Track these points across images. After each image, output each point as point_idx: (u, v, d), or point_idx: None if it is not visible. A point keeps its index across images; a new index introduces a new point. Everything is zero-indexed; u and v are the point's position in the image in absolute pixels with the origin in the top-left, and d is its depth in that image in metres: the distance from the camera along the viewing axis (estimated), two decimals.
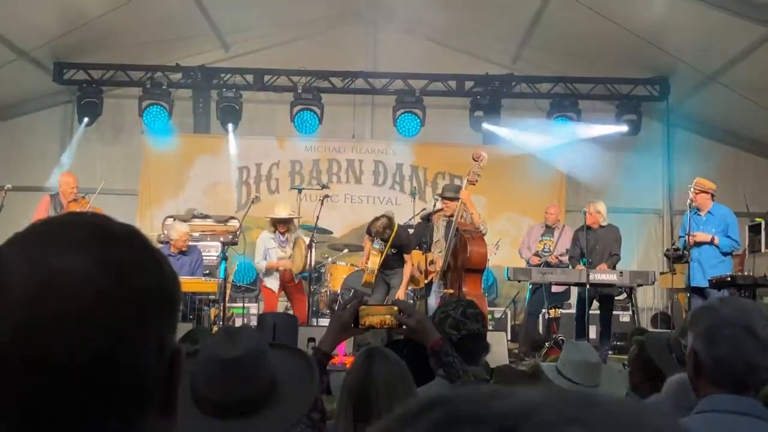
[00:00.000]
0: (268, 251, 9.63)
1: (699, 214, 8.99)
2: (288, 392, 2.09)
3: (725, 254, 8.91)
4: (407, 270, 9.31)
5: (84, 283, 0.80)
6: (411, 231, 10.31)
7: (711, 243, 8.79)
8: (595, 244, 9.08)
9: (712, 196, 9.02)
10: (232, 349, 2.05)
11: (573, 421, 0.50)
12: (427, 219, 9.61)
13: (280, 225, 9.61)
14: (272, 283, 9.74)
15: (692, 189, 9.02)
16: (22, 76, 12.13)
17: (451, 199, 8.97)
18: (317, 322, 9.69)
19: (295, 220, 9.80)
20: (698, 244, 8.81)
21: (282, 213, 9.64)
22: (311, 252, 9.63)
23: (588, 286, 8.72)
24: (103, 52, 12.38)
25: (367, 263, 9.30)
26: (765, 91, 10.86)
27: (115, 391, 0.81)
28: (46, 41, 11.58)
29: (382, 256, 9.19)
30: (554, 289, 9.55)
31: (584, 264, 9.17)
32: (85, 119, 12.61)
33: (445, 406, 0.53)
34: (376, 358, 2.58)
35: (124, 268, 0.83)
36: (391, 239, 9.13)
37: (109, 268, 0.81)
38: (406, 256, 9.31)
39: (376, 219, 9.27)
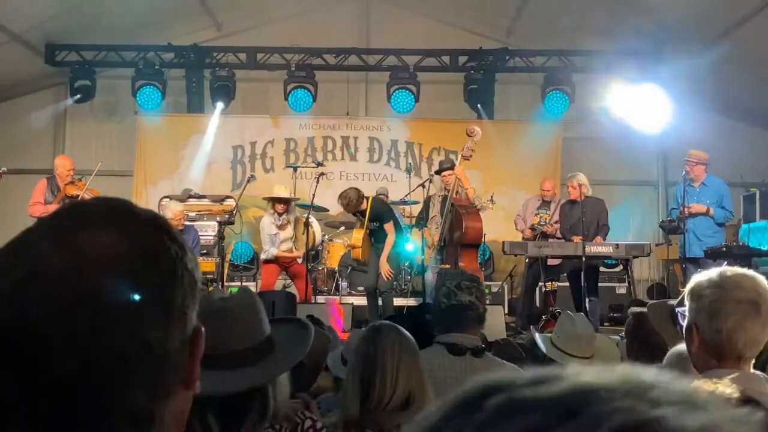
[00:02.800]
0: (272, 237, 9.68)
1: (693, 186, 9.01)
2: (281, 348, 2.15)
3: (719, 225, 8.95)
4: (389, 241, 9.18)
5: (113, 262, 0.83)
6: (406, 207, 10.35)
7: (706, 214, 8.82)
8: (582, 216, 9.06)
9: (706, 166, 9.05)
10: (226, 300, 2.12)
11: (637, 403, 0.49)
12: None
13: (279, 205, 9.63)
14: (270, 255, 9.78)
15: (688, 161, 9.04)
16: (13, 58, 12.06)
17: (450, 169, 9.00)
18: (315, 300, 9.74)
19: (293, 203, 9.84)
20: (693, 215, 8.84)
21: (282, 194, 9.70)
22: (310, 228, 9.59)
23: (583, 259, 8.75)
24: (94, 33, 12.31)
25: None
26: (759, 60, 10.85)
27: (143, 365, 0.84)
28: (37, 23, 11.51)
29: (364, 230, 9.21)
30: (550, 262, 9.57)
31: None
32: (76, 96, 12.57)
33: (501, 392, 0.52)
34: (385, 330, 2.71)
35: (150, 249, 0.86)
36: (367, 212, 9.12)
37: (136, 248, 0.85)
38: (386, 227, 9.19)
39: (342, 192, 9.27)
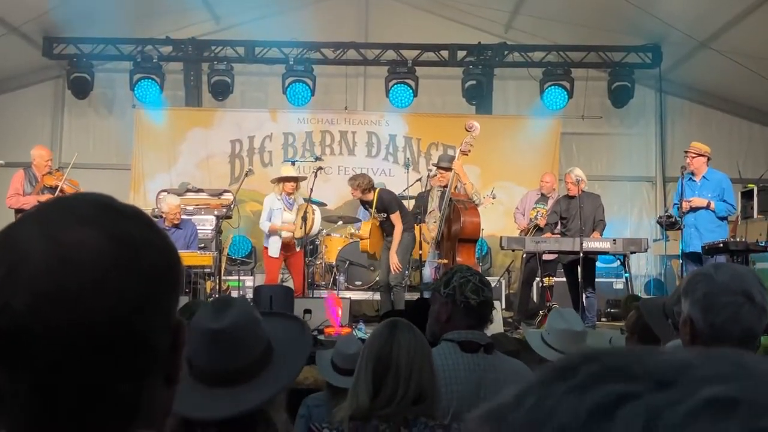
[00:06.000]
0: (272, 212, 9.60)
1: (693, 179, 8.96)
2: (280, 358, 2.14)
3: (721, 219, 8.88)
4: (397, 232, 9.14)
5: (98, 255, 0.84)
6: (407, 201, 10.33)
7: (707, 208, 8.76)
8: (579, 211, 9.02)
9: (708, 160, 9.00)
10: (220, 320, 2.08)
11: (731, 378, 0.49)
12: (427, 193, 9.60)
13: (287, 185, 9.59)
14: (274, 247, 9.64)
15: (688, 153, 9.01)
16: (11, 51, 12.05)
17: (446, 169, 8.98)
18: (313, 294, 9.73)
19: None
20: (694, 209, 8.79)
21: (291, 173, 9.69)
22: (310, 216, 9.57)
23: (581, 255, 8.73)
24: (92, 26, 12.28)
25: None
26: (758, 56, 10.84)
27: (128, 358, 0.86)
28: (35, 15, 11.47)
29: (372, 222, 9.21)
30: (545, 257, 9.55)
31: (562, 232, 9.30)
32: (74, 89, 12.57)
33: (596, 361, 0.53)
34: (400, 328, 2.74)
35: (133, 243, 0.87)
36: (374, 204, 9.11)
37: (120, 242, 0.86)
38: (392, 217, 9.16)
39: (358, 174, 9.38)
